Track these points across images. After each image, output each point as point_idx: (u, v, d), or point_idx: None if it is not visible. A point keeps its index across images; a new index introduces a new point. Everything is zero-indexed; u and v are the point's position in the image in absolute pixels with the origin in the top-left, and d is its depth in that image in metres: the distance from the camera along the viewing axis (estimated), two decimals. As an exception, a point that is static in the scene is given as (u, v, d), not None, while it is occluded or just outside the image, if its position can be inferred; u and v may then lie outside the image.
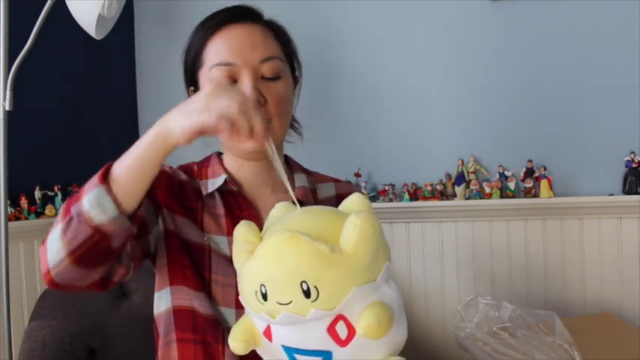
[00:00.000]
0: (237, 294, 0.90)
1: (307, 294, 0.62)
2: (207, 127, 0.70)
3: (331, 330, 0.64)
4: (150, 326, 0.98)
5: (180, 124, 0.72)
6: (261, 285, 0.65)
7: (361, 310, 0.63)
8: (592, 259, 1.63)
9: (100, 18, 1.49)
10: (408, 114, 1.83)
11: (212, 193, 0.97)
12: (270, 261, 0.65)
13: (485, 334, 1.21)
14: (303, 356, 0.66)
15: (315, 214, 0.71)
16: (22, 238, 1.68)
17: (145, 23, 2.18)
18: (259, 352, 0.71)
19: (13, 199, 1.66)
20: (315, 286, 0.62)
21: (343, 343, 0.64)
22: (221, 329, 0.90)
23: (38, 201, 1.74)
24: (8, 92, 1.47)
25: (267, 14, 1.00)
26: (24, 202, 1.70)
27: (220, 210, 0.96)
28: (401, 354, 0.69)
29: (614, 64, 1.62)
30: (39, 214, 1.74)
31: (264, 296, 0.65)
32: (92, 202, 0.73)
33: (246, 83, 0.91)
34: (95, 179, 0.75)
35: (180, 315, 0.92)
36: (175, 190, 0.95)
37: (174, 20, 2.10)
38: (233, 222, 0.95)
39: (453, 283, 1.75)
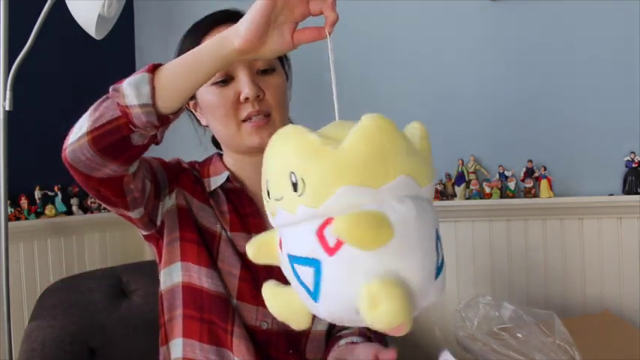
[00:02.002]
0: (239, 284, 0.90)
1: (295, 187, 0.58)
2: (268, 3, 0.68)
3: (320, 234, 0.58)
4: (150, 326, 0.98)
5: (240, 26, 0.69)
6: (266, 181, 0.63)
7: None
8: (592, 259, 1.62)
9: (100, 18, 1.49)
10: (408, 114, 1.83)
11: (216, 190, 0.98)
12: (268, 155, 0.63)
13: (486, 334, 1.21)
14: (299, 266, 0.61)
15: (347, 123, 0.64)
16: (22, 238, 1.68)
17: (145, 23, 2.18)
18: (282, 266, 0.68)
19: (13, 199, 1.66)
20: (302, 179, 0.57)
21: (331, 251, 0.58)
22: (230, 308, 0.91)
23: (38, 201, 1.74)
24: (8, 92, 1.47)
25: None
26: (24, 202, 1.70)
27: (224, 207, 0.98)
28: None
29: (614, 64, 1.62)
30: (39, 214, 1.74)
31: (268, 193, 0.63)
32: (131, 83, 0.74)
33: (242, 79, 0.92)
34: (144, 68, 0.75)
35: (189, 292, 0.93)
36: (193, 181, 0.99)
37: (174, 20, 2.10)
38: (238, 219, 0.97)
39: (453, 283, 1.75)
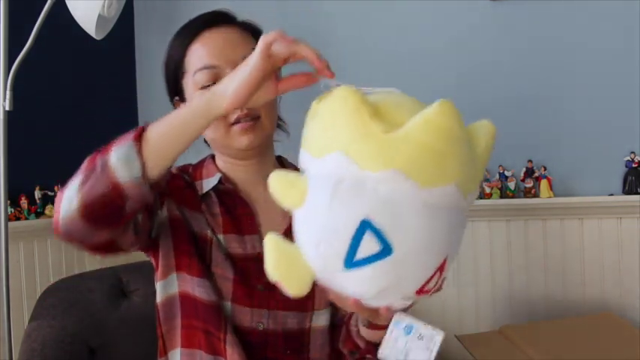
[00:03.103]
0: (233, 286, 0.90)
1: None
2: (260, 69, 0.69)
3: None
4: (150, 326, 0.98)
5: (229, 85, 0.71)
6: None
7: None
8: (592, 259, 1.62)
9: (100, 18, 1.49)
10: (408, 114, 1.83)
11: (208, 192, 0.98)
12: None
13: None
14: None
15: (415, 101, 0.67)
16: (22, 238, 1.67)
17: (145, 23, 2.18)
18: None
19: (13, 199, 1.66)
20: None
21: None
22: (222, 317, 0.91)
23: (38, 201, 1.74)
24: (8, 92, 1.47)
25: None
26: (24, 202, 1.70)
27: (216, 209, 0.97)
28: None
29: (614, 64, 1.62)
30: (39, 214, 1.74)
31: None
32: (120, 157, 0.73)
33: None
34: (129, 136, 0.74)
35: (186, 301, 0.93)
36: (183, 187, 0.97)
37: (174, 20, 2.09)
38: (230, 220, 0.96)
39: (453, 283, 1.75)
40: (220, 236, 0.95)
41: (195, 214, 0.95)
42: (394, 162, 0.58)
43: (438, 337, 0.68)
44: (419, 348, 0.69)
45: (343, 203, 0.60)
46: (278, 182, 0.65)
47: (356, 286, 0.63)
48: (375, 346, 0.93)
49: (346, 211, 0.60)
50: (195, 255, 0.93)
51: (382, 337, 0.90)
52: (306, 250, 0.64)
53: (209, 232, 0.94)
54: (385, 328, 0.84)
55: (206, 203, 0.97)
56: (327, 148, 0.61)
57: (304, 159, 0.66)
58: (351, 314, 0.96)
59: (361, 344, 0.94)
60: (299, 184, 0.63)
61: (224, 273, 0.92)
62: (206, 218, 0.96)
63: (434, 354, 0.68)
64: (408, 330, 0.71)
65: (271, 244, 0.67)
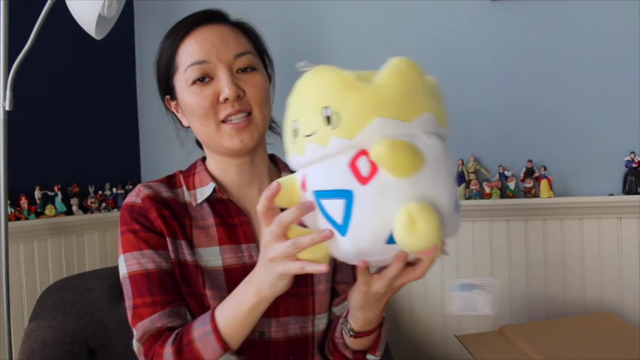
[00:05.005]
0: None
1: (329, 120, 0.62)
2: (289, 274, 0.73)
3: (353, 165, 0.62)
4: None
5: (279, 283, 0.75)
6: (294, 121, 0.66)
7: None
8: (592, 259, 1.63)
9: (100, 18, 1.49)
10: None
11: (201, 203, 0.96)
12: (300, 91, 0.66)
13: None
14: (327, 200, 0.64)
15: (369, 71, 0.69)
16: (22, 238, 1.67)
17: (145, 23, 2.18)
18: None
19: (13, 199, 1.66)
20: (337, 112, 0.62)
21: (364, 180, 0.61)
22: None
23: (38, 201, 1.74)
24: (8, 92, 1.47)
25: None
26: (24, 202, 1.70)
27: (210, 220, 0.95)
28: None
29: (614, 64, 1.62)
30: (39, 214, 1.74)
31: (295, 132, 0.66)
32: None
33: (222, 79, 0.90)
34: (215, 346, 0.81)
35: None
36: (167, 215, 0.94)
37: (174, 20, 2.09)
38: (225, 231, 0.94)
39: (453, 283, 1.75)
40: (215, 249, 0.93)
41: (180, 241, 0.93)
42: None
43: (496, 282, 0.77)
44: (481, 296, 0.77)
45: (448, 153, 0.65)
46: (404, 154, 0.61)
47: (456, 226, 0.70)
48: (363, 354, 0.94)
49: (450, 159, 0.66)
50: (191, 296, 0.92)
51: (369, 345, 0.93)
52: (440, 200, 0.64)
53: (195, 258, 0.93)
54: (371, 333, 0.89)
55: (195, 216, 0.95)
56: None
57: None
58: (335, 327, 0.97)
59: (348, 355, 0.94)
60: (415, 146, 0.62)
61: (220, 293, 0.91)
62: (190, 236, 0.94)
63: (494, 296, 0.76)
64: (465, 287, 0.79)
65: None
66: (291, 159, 0.69)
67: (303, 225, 0.70)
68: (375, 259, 0.67)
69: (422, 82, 0.65)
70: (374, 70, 0.66)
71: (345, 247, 0.64)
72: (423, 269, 0.71)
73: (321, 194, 0.65)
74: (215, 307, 0.84)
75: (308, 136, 0.64)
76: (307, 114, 0.64)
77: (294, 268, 0.69)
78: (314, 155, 0.64)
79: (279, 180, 0.70)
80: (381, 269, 0.73)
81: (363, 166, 0.61)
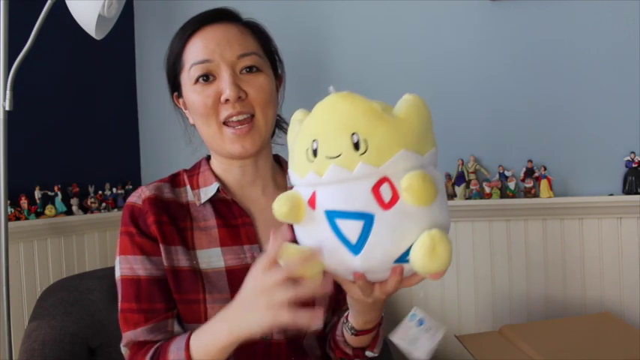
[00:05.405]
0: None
1: (357, 146, 0.65)
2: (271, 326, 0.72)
3: (375, 190, 0.65)
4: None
5: (248, 326, 0.74)
6: (314, 140, 0.67)
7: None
8: (592, 259, 1.63)
9: (100, 18, 1.49)
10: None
11: (204, 203, 0.95)
12: (326, 113, 0.68)
13: None
14: (345, 220, 0.66)
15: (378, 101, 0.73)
16: (22, 238, 1.67)
17: (145, 23, 2.18)
18: (297, 228, 0.72)
19: (13, 199, 1.66)
20: (365, 139, 0.64)
21: (386, 206, 0.65)
22: None
23: (38, 201, 1.74)
24: (8, 92, 1.47)
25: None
26: (24, 202, 1.70)
27: (211, 221, 0.94)
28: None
29: (614, 64, 1.62)
30: (39, 214, 1.74)
31: (315, 152, 0.67)
32: None
33: (224, 79, 0.90)
34: None
35: (186, 314, 0.93)
36: (165, 221, 0.93)
37: (174, 20, 2.10)
38: (227, 232, 0.93)
39: (453, 284, 1.75)
40: (216, 250, 0.93)
41: (177, 247, 0.92)
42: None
43: (443, 330, 0.82)
44: (425, 338, 0.82)
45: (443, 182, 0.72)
46: (431, 186, 0.65)
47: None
48: (362, 350, 0.95)
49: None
50: (187, 304, 0.91)
51: (368, 342, 0.96)
52: (446, 226, 0.69)
53: (194, 263, 0.92)
54: (370, 331, 0.93)
55: (196, 217, 0.95)
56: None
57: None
58: (336, 326, 0.98)
59: (349, 351, 0.96)
60: (433, 178, 0.66)
61: (222, 296, 0.90)
62: (191, 239, 0.93)
63: (436, 343, 0.81)
64: (420, 322, 0.84)
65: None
66: (304, 177, 0.69)
67: (295, 241, 0.72)
68: (374, 276, 0.70)
69: (430, 118, 0.70)
70: (385, 102, 0.69)
71: (355, 265, 0.67)
72: (418, 279, 0.72)
73: (337, 214, 0.67)
74: (192, 333, 0.84)
75: (332, 157, 0.65)
76: (333, 137, 0.66)
77: (286, 318, 0.69)
78: (336, 177, 0.66)
79: (284, 194, 0.70)
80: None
81: (386, 192, 0.65)
